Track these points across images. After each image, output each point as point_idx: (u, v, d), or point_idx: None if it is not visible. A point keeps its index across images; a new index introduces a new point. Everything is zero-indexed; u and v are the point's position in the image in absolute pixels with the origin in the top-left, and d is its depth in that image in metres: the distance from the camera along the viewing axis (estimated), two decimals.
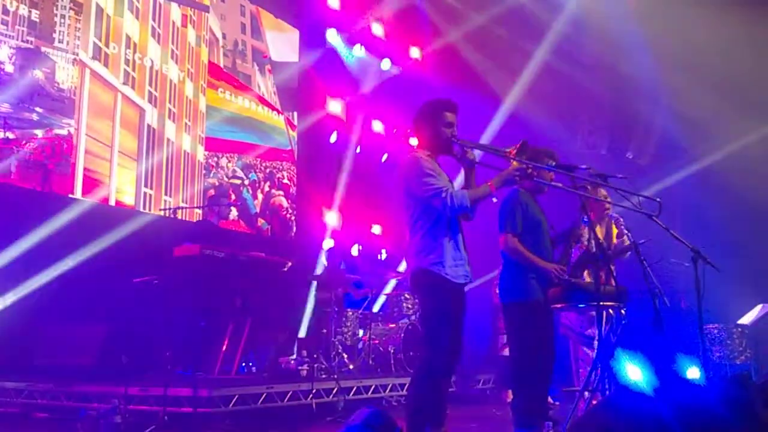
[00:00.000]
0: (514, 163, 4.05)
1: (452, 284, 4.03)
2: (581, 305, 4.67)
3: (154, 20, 7.87)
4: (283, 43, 9.84)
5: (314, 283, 8.53)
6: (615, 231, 6.00)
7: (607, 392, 4.33)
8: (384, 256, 10.06)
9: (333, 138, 10.32)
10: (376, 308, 9.03)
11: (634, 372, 5.24)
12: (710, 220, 8.43)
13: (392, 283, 9.23)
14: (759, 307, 8.25)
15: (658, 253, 5.59)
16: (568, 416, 4.55)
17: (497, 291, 4.82)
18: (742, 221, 8.56)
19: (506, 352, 7.09)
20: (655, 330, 4.53)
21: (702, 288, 4.60)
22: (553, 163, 4.58)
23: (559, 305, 4.63)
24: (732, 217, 8.67)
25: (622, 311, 4.79)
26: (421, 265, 4.02)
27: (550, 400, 5.66)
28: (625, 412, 2.44)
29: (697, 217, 8.55)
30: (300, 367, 6.69)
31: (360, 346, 7.94)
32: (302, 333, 7.83)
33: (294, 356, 7.06)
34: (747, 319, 8.14)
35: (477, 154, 4.31)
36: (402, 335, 7.73)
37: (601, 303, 4.40)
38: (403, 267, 9.18)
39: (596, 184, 4.91)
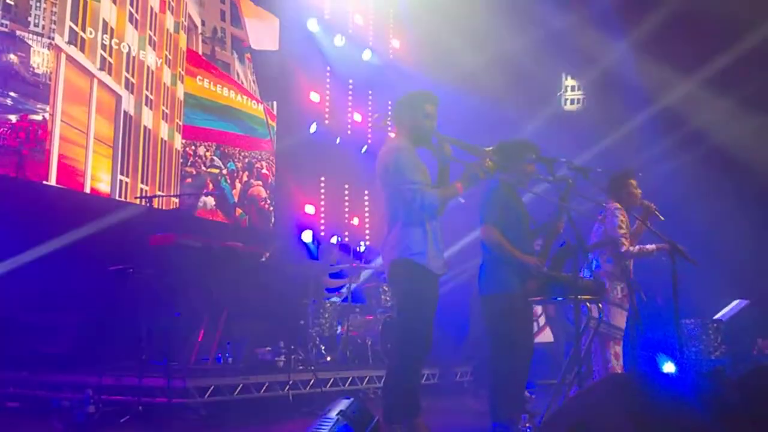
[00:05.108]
0: (489, 162, 4.08)
1: (432, 275, 4.04)
2: (559, 298, 4.68)
3: (131, 5, 7.74)
4: (263, 31, 9.73)
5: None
6: None
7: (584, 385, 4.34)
8: (363, 248, 10.03)
9: (313, 128, 10.26)
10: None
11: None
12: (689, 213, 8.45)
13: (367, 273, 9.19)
14: (735, 302, 8.33)
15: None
16: (544, 409, 4.56)
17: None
18: (721, 214, 8.60)
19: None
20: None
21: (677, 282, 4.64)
22: (534, 156, 4.59)
23: (536, 298, 4.64)
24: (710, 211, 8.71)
25: (599, 305, 4.80)
26: (403, 254, 4.01)
27: (526, 392, 5.68)
28: (599, 405, 2.44)
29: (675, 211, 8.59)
30: (277, 358, 6.65)
31: (338, 337, 7.91)
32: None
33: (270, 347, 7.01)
34: (723, 314, 8.21)
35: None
36: (380, 327, 7.71)
37: (579, 296, 4.40)
38: (379, 261, 9.12)
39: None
